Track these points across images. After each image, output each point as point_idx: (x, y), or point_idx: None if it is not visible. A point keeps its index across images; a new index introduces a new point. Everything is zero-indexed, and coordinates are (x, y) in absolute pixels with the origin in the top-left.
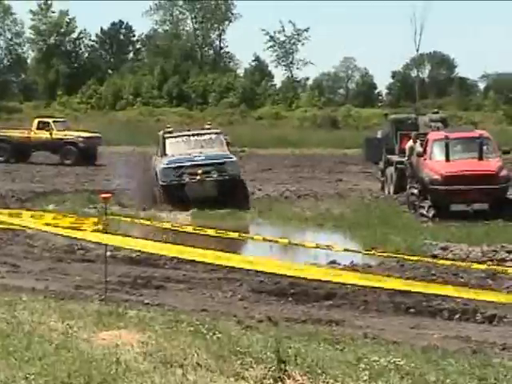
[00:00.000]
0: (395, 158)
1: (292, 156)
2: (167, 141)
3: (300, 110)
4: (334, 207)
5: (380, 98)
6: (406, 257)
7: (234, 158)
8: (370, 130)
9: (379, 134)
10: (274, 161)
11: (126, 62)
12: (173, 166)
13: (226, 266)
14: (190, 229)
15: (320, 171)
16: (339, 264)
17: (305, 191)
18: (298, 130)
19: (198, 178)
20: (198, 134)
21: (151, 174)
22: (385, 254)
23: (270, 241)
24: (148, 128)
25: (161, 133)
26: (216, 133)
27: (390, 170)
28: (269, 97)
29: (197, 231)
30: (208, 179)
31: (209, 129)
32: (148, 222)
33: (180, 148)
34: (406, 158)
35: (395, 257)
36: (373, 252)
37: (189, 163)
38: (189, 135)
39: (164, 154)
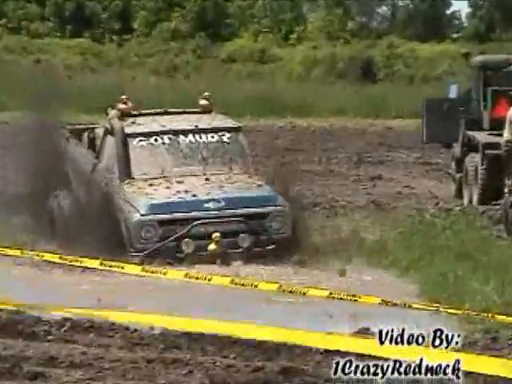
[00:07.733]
0: (483, 136)
1: (289, 130)
2: (132, 143)
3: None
4: (368, 229)
5: (457, 22)
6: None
7: (283, 202)
8: (435, 83)
9: (452, 93)
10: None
11: None
12: (158, 219)
13: None
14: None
15: (341, 160)
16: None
17: (316, 197)
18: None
19: (214, 247)
20: (192, 132)
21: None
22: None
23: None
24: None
25: (113, 114)
26: (232, 129)
27: (474, 158)
28: None
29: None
30: (233, 251)
31: (208, 111)
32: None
33: (158, 161)
34: (507, 138)
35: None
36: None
37: (193, 214)
38: (174, 132)
39: (126, 173)
